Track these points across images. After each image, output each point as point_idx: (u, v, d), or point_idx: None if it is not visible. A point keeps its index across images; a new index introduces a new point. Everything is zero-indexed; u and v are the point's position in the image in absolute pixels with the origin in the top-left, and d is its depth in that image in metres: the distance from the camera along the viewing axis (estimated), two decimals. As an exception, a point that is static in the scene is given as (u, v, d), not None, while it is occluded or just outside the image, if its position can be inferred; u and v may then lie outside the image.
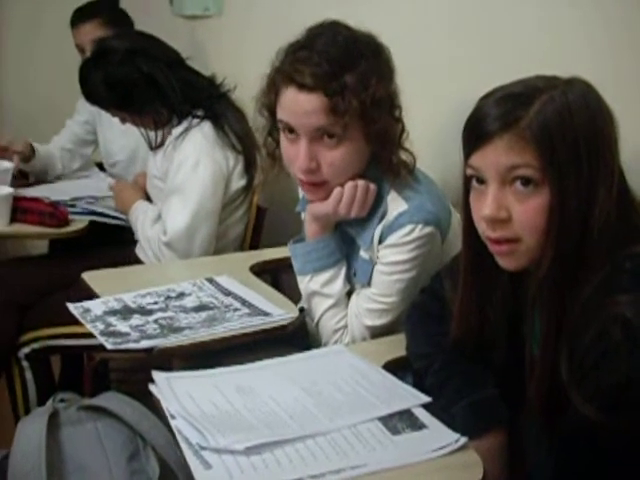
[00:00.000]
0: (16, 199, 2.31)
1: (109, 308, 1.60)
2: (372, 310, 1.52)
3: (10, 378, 2.31)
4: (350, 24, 1.49)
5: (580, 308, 1.06)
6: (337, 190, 1.48)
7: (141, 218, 2.21)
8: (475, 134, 1.08)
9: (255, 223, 2.27)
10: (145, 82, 2.14)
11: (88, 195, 2.49)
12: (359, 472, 1.02)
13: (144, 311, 1.58)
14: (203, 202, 2.08)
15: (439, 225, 1.46)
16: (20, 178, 2.78)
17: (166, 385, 1.25)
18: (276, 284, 2.01)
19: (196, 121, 2.13)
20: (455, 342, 1.28)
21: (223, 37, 2.91)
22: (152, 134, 2.22)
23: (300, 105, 1.42)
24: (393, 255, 1.47)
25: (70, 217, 2.34)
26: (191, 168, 2.08)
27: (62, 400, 2.03)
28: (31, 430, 2.03)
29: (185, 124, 2.14)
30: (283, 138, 1.49)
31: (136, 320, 1.54)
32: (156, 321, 1.53)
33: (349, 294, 1.59)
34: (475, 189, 1.12)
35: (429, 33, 1.92)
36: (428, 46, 1.91)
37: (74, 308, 1.60)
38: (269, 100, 1.49)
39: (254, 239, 2.28)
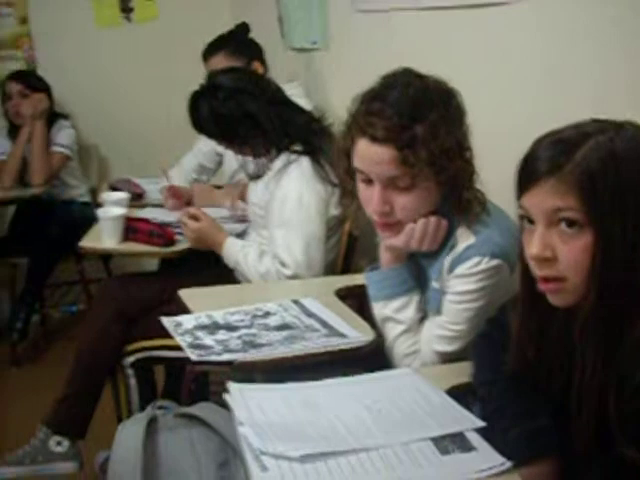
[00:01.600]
0: (128, 219, 2.50)
1: (199, 323, 1.73)
2: (442, 337, 1.59)
3: (115, 384, 2.50)
4: (426, 70, 1.57)
5: (631, 346, 1.09)
6: (410, 226, 1.56)
7: (242, 259, 2.29)
8: (525, 175, 1.14)
9: (346, 249, 2.37)
10: (247, 119, 2.28)
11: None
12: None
13: (230, 327, 1.71)
14: (313, 231, 2.20)
15: (507, 258, 1.51)
16: (136, 198, 3.01)
17: (239, 395, 1.36)
18: (361, 308, 2.10)
19: (294, 156, 2.25)
20: (514, 372, 1.33)
21: (329, 69, 3.04)
22: (252, 164, 2.37)
23: (372, 156, 1.51)
24: (461, 285, 1.54)
25: (176, 237, 2.51)
26: (296, 202, 2.20)
27: (161, 407, 2.20)
28: (130, 433, 2.20)
29: (284, 158, 2.27)
30: (359, 181, 1.58)
31: (222, 335, 1.66)
32: (240, 337, 1.65)
33: (422, 320, 1.67)
34: (526, 228, 1.18)
35: (508, 83, 1.97)
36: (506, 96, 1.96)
37: (167, 322, 1.74)
38: (346, 145, 1.58)
39: (344, 265, 2.38)
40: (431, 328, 1.62)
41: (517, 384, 1.32)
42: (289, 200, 2.21)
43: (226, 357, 1.56)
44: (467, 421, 1.28)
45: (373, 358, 1.70)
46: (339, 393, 1.40)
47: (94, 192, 3.86)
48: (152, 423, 2.11)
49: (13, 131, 3.76)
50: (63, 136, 3.78)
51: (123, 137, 4.12)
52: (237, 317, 1.77)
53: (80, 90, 4.02)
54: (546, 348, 1.27)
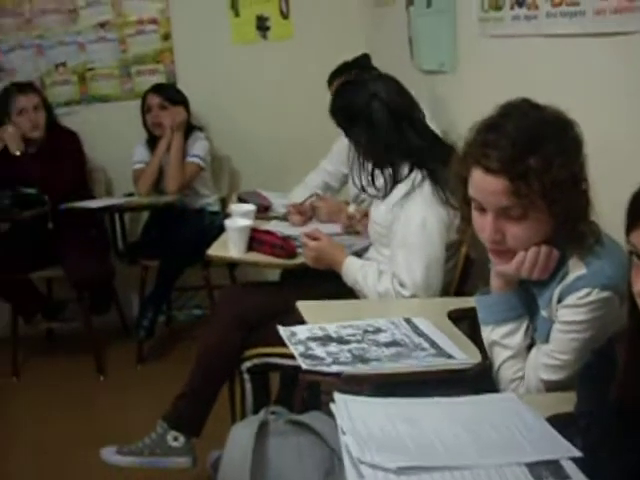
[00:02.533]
0: (253, 231, 2.63)
1: (312, 334, 1.82)
2: (548, 365, 1.61)
3: (232, 387, 2.63)
4: (553, 99, 1.60)
5: None
6: (521, 254, 1.59)
7: (361, 278, 2.35)
8: (634, 212, 1.16)
9: (462, 272, 2.40)
10: (364, 120, 2.37)
11: (316, 232, 2.75)
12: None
13: (342, 340, 1.78)
14: (434, 254, 2.26)
15: (617, 290, 1.52)
16: (262, 210, 3.14)
17: (343, 406, 1.43)
18: (473, 331, 2.13)
19: (418, 181, 2.30)
20: (618, 405, 1.33)
21: (455, 93, 3.06)
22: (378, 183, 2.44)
23: (486, 186, 1.55)
24: (570, 315, 1.55)
25: (298, 250, 2.60)
26: (419, 225, 2.26)
27: (273, 412, 2.29)
28: (242, 435, 2.31)
29: (409, 183, 2.32)
30: (474, 208, 1.63)
31: (333, 347, 1.74)
32: (350, 351, 1.73)
33: (530, 347, 1.69)
34: (635, 264, 1.19)
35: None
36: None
37: (283, 330, 1.84)
38: (462, 173, 1.63)
39: (460, 287, 2.41)
40: (538, 356, 1.64)
41: (621, 418, 1.33)
42: (412, 223, 2.27)
43: (335, 369, 1.63)
44: (564, 449, 1.30)
45: (480, 381, 1.74)
46: (440, 412, 1.44)
47: (224, 202, 4.03)
48: (263, 427, 2.20)
49: (151, 141, 3.98)
50: (198, 147, 3.96)
51: (255, 150, 4.29)
52: (349, 331, 1.85)
53: (216, 103, 4.21)
54: None
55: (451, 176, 1.70)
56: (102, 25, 4.15)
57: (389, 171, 2.38)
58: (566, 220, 1.55)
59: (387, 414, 1.42)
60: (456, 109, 3.05)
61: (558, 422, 1.44)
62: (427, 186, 2.29)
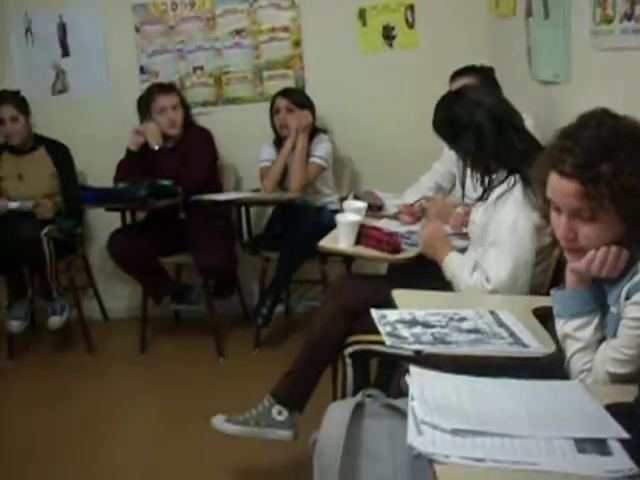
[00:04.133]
0: (362, 226, 2.82)
1: (401, 317, 1.99)
2: (615, 359, 1.71)
3: (335, 370, 2.81)
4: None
5: None
6: (591, 253, 1.71)
7: (458, 272, 2.50)
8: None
9: (554, 274, 2.51)
10: (471, 129, 2.49)
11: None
12: (531, 468, 1.29)
13: (427, 324, 1.95)
14: (522, 254, 2.40)
15: (681, 290, 1.61)
16: (375, 209, 3.31)
17: (418, 377, 1.60)
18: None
19: (511, 184, 2.44)
20: None
21: (568, 104, 3.11)
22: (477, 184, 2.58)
23: (560, 189, 1.68)
24: (636, 312, 1.65)
25: (403, 247, 2.78)
26: (511, 226, 2.40)
27: (370, 395, 2.46)
28: (339, 413, 2.49)
29: (504, 186, 2.46)
30: (552, 209, 1.76)
31: (417, 329, 1.91)
32: (432, 334, 1.89)
33: (601, 342, 1.80)
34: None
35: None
36: None
37: (375, 313, 2.02)
38: (542, 176, 1.76)
39: (551, 288, 2.51)
40: (606, 350, 1.74)
41: None
42: (504, 224, 2.41)
43: (415, 347, 1.80)
44: (613, 430, 1.42)
45: (554, 371, 1.86)
46: (505, 390, 1.59)
47: (345, 200, 4.21)
48: (359, 408, 2.37)
49: (278, 141, 4.22)
50: (321, 149, 4.16)
51: (375, 153, 4.46)
52: (436, 317, 2.01)
53: (341, 108, 4.41)
54: None
55: (534, 179, 1.83)
56: (238, 32, 4.43)
57: (482, 168, 2.52)
58: (636, 223, 1.65)
59: (455, 386, 1.57)
60: (567, 119, 3.12)
61: (616, 409, 1.55)
62: (519, 189, 2.41)
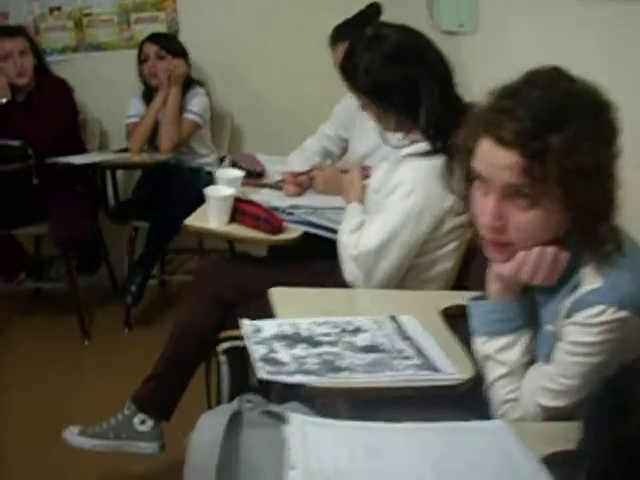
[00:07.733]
0: (237, 200, 2.38)
1: (280, 332, 1.59)
2: (548, 390, 1.37)
3: (208, 369, 2.43)
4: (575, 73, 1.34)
5: None
6: (522, 253, 1.36)
7: (344, 224, 2.20)
8: None
9: (464, 262, 2.15)
10: (406, 86, 2.05)
11: (308, 205, 2.50)
12: None
13: (312, 342, 1.55)
14: (400, 231, 2.05)
15: (637, 310, 1.27)
16: (255, 176, 2.89)
17: (299, 430, 1.22)
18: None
19: (431, 151, 2.04)
20: (631, 449, 1.10)
21: (475, 56, 2.83)
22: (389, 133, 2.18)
23: (494, 159, 1.31)
24: (579, 335, 1.31)
25: (285, 225, 2.37)
26: (403, 195, 2.04)
27: (249, 401, 2.08)
28: (211, 425, 2.09)
29: (418, 147, 2.07)
30: (475, 188, 1.38)
31: (300, 350, 1.51)
32: (319, 355, 1.49)
33: (529, 365, 1.45)
34: None
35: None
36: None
37: (247, 325, 1.61)
38: (467, 144, 1.38)
39: (461, 279, 2.16)
40: (537, 377, 1.40)
41: (634, 464, 1.10)
42: (398, 190, 2.05)
43: (297, 379, 1.40)
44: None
45: (472, 397, 1.50)
46: (410, 443, 1.21)
47: (223, 161, 3.81)
48: (236, 417, 2.01)
49: (147, 94, 3.76)
50: (196, 103, 3.75)
51: (258, 109, 4.05)
52: (323, 329, 1.61)
53: (220, 58, 3.96)
54: None
55: (456, 145, 1.44)
56: (100, -34, 3.90)
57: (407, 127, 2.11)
58: (583, 218, 1.30)
59: (346, 442, 1.20)
60: (475, 75, 2.80)
61: (555, 463, 1.21)
62: (438, 162, 2.00)
